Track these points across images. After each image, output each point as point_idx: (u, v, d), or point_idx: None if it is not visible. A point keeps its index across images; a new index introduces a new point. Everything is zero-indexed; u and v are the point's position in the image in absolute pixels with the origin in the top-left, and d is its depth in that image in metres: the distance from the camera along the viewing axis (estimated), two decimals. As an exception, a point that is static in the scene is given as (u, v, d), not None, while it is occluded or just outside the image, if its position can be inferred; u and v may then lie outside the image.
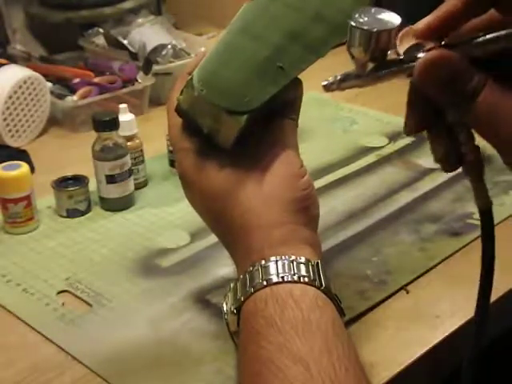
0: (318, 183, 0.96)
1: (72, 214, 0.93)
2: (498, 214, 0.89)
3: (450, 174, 0.97)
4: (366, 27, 0.46)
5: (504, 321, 0.80)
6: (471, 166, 0.50)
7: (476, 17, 0.47)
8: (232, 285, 0.56)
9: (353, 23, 0.47)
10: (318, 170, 1.00)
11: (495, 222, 0.87)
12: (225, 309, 0.56)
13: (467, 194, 0.93)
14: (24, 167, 0.89)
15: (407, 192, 0.95)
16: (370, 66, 0.48)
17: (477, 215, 0.88)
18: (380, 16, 0.47)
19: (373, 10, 0.48)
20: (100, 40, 1.33)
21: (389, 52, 0.48)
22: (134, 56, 1.26)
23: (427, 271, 0.80)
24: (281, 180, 0.57)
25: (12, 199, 0.89)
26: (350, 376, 0.47)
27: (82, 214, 0.94)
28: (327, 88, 0.51)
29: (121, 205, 0.95)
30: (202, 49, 1.26)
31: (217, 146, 0.58)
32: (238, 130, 0.57)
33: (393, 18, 0.47)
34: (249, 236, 0.56)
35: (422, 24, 0.46)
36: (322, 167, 1.02)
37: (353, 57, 0.48)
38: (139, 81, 1.22)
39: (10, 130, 1.12)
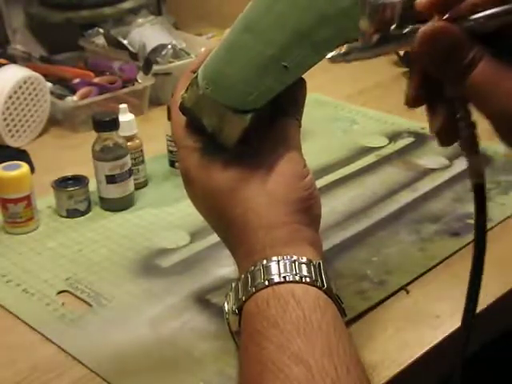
0: (318, 183, 0.95)
1: (72, 213, 0.93)
2: (498, 213, 0.89)
3: (451, 174, 0.98)
4: None
5: (505, 319, 0.80)
6: (467, 140, 0.50)
7: None
8: (233, 284, 0.56)
9: None
10: (318, 170, 1.00)
11: (496, 221, 0.88)
12: (226, 308, 0.56)
13: (467, 194, 0.94)
14: (24, 167, 0.89)
15: (407, 192, 0.95)
16: (375, 38, 0.49)
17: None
18: None
19: None
20: (100, 40, 1.33)
21: (393, 26, 0.49)
22: (133, 56, 1.26)
23: (427, 271, 0.80)
24: (284, 180, 0.57)
25: (12, 199, 0.89)
26: (351, 377, 0.47)
27: (82, 214, 0.94)
28: (333, 60, 0.52)
29: (121, 205, 0.95)
30: (202, 49, 1.26)
31: (220, 145, 0.58)
32: (242, 129, 0.57)
33: None
34: (251, 235, 0.56)
35: None
36: (322, 167, 1.02)
37: (360, 28, 0.49)
38: (139, 81, 1.22)
39: (10, 130, 1.12)
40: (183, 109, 0.60)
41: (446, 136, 0.51)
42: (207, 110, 0.58)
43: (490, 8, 0.46)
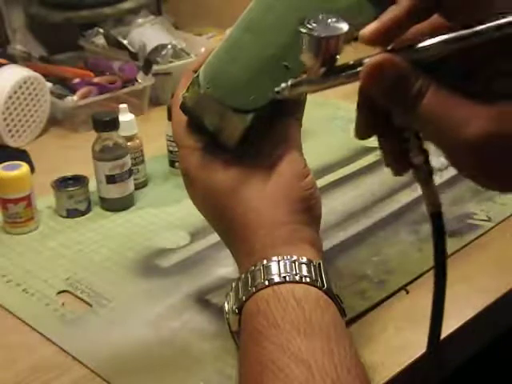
0: (318, 183, 0.95)
1: (72, 213, 0.93)
2: (499, 213, 0.89)
3: (450, 174, 0.98)
4: (315, 33, 0.47)
5: (505, 319, 0.80)
6: (419, 169, 0.49)
7: (420, 22, 0.47)
8: (234, 284, 0.56)
9: (302, 30, 0.48)
10: (318, 170, 1.00)
11: (497, 221, 0.88)
12: (226, 308, 0.56)
13: (467, 194, 0.94)
14: (24, 167, 0.89)
15: (407, 192, 0.95)
16: (321, 71, 0.49)
17: (477, 215, 0.90)
18: (329, 22, 0.48)
19: (322, 16, 0.48)
20: (100, 40, 1.33)
21: (338, 57, 0.49)
22: (133, 56, 1.26)
23: (427, 271, 0.80)
24: (285, 179, 0.57)
25: (12, 199, 0.89)
26: (351, 376, 0.47)
27: (82, 213, 0.94)
28: (279, 94, 0.52)
29: (121, 205, 0.95)
30: (203, 49, 1.26)
31: (221, 145, 0.59)
32: (243, 129, 0.57)
33: (341, 25, 0.48)
34: (251, 235, 0.56)
35: (367, 30, 0.46)
36: (322, 167, 1.02)
37: (304, 63, 0.49)
38: (139, 81, 1.22)
39: (10, 130, 1.12)
40: (184, 108, 0.60)
41: (398, 165, 0.50)
42: (208, 110, 0.58)
43: (433, 37, 0.45)
